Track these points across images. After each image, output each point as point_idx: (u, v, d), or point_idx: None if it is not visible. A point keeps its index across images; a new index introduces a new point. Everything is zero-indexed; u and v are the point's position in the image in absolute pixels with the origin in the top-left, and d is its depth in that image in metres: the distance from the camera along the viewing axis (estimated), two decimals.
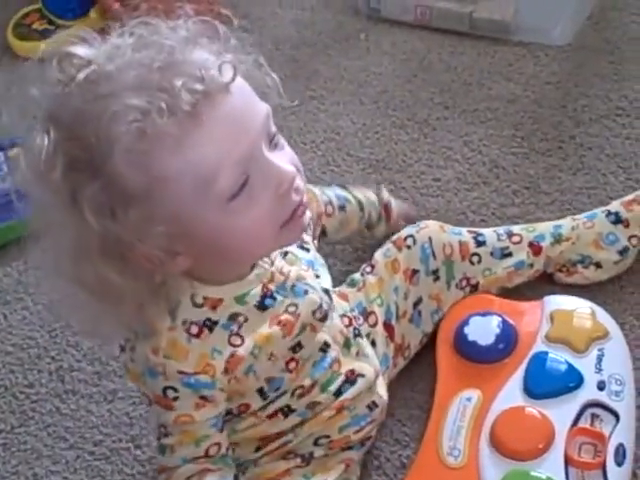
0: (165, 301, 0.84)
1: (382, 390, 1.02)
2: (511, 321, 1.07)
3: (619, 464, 0.94)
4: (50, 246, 0.80)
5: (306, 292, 0.92)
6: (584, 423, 0.97)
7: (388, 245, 1.12)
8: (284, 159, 0.82)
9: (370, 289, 1.08)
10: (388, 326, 1.07)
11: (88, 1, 1.76)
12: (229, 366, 0.87)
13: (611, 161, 1.31)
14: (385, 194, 1.21)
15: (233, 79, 0.77)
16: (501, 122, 1.41)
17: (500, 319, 1.07)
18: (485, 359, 1.05)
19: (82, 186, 0.75)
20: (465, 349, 1.06)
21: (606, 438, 0.95)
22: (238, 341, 0.87)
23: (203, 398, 0.87)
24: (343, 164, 1.40)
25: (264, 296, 0.89)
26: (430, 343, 1.10)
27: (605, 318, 1.07)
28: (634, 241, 1.13)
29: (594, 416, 0.98)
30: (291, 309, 0.90)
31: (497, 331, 1.06)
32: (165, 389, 0.86)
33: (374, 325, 1.06)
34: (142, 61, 0.76)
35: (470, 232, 1.14)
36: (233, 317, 0.87)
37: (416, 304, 1.10)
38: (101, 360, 1.20)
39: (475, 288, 1.12)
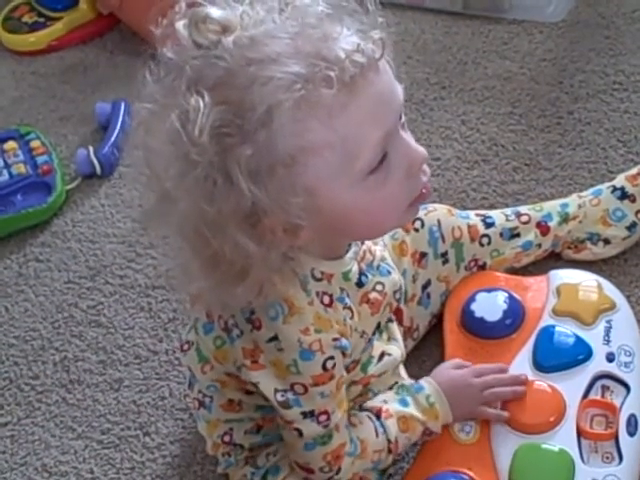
0: (294, 276, 0.83)
1: (404, 373, 1.02)
2: (517, 296, 1.07)
3: (631, 434, 0.94)
4: (182, 210, 0.77)
5: (389, 272, 0.93)
6: (595, 395, 0.98)
7: None
8: (412, 140, 0.82)
9: None
10: (397, 309, 1.05)
11: None
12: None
13: (610, 135, 1.31)
14: None
15: (382, 55, 0.77)
16: (498, 100, 1.41)
17: (506, 294, 1.07)
18: (493, 335, 1.04)
19: (231, 150, 0.73)
20: (472, 326, 1.06)
21: (617, 409, 0.95)
22: (350, 314, 0.88)
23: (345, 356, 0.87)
24: None
25: (360, 274, 0.89)
26: (437, 322, 1.10)
27: (611, 290, 1.07)
28: None
29: (604, 388, 0.98)
30: (378, 287, 0.91)
31: (504, 307, 1.05)
32: (325, 363, 0.85)
33: None
34: (294, 29, 0.74)
35: (478, 215, 1.13)
36: (342, 291, 0.87)
37: (425, 287, 1.09)
38: (106, 349, 1.19)
39: (483, 269, 1.12)
